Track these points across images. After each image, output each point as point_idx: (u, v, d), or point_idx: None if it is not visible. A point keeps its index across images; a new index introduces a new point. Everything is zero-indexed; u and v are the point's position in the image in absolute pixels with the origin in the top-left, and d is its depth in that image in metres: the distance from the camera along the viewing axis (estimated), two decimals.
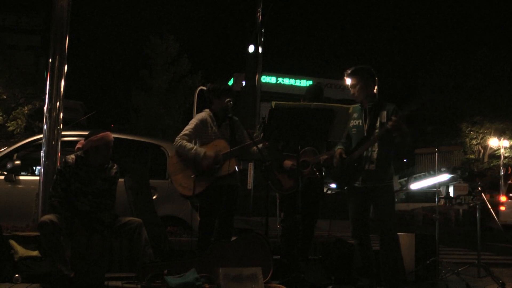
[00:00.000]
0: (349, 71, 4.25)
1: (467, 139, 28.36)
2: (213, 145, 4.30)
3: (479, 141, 28.42)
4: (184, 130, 4.39)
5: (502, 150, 26.80)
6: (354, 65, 4.27)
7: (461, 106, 28.25)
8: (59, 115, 4.96)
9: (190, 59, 27.38)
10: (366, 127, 4.12)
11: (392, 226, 4.05)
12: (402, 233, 4.89)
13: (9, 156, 5.73)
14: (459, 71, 28.57)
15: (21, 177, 5.74)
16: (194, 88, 18.35)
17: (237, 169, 4.42)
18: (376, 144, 4.06)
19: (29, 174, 6.92)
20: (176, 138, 4.36)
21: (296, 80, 45.75)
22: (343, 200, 4.38)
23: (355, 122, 4.20)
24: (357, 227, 4.16)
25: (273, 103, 3.87)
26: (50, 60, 5.00)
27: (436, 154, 5.29)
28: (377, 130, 4.04)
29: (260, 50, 15.42)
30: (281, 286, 3.79)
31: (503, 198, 19.02)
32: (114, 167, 4.15)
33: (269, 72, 42.67)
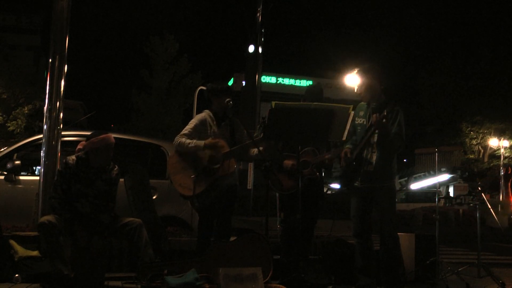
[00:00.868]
0: (357, 70, 4.25)
1: (467, 139, 28.37)
2: (210, 138, 4.29)
3: (479, 141, 28.42)
4: (183, 130, 4.39)
5: (502, 150, 26.81)
6: (354, 65, 4.29)
7: (461, 106, 28.26)
8: (59, 115, 4.96)
9: (190, 59, 27.40)
10: (368, 126, 4.12)
11: (393, 226, 4.05)
12: (402, 233, 4.89)
13: (9, 156, 5.73)
14: (459, 71, 28.57)
15: (21, 177, 5.74)
16: (194, 88, 18.35)
17: (236, 169, 4.41)
18: (375, 145, 4.06)
19: (29, 174, 6.93)
20: (175, 138, 4.36)
21: (296, 80, 45.78)
22: (344, 200, 4.39)
23: (360, 121, 4.20)
24: (358, 226, 4.16)
25: (273, 103, 3.87)
26: (50, 60, 5.00)
27: (436, 154, 5.29)
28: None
29: (260, 50, 15.44)
30: (281, 286, 3.79)
31: None
32: (115, 169, 4.14)
33: (269, 72, 42.70)
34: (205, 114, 4.49)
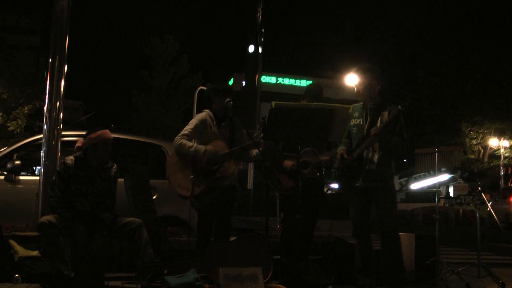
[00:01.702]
0: (356, 69, 4.24)
1: (467, 139, 28.38)
2: (212, 145, 4.30)
3: (479, 141, 28.43)
4: (183, 130, 4.39)
5: (502, 150, 26.82)
6: (354, 65, 4.29)
7: (461, 106, 28.27)
8: (59, 115, 4.96)
9: (190, 59, 27.43)
10: (366, 126, 4.12)
11: (394, 226, 4.05)
12: (402, 233, 4.88)
13: (9, 156, 5.73)
14: (459, 71, 28.58)
15: (21, 177, 5.74)
16: (194, 88, 18.38)
17: (235, 170, 4.40)
18: (377, 144, 4.06)
19: (29, 174, 6.92)
20: (176, 138, 4.35)
21: (296, 80, 45.77)
22: (344, 200, 4.38)
23: (355, 121, 4.20)
24: (358, 226, 4.16)
25: (273, 103, 3.88)
26: (50, 60, 5.00)
27: (436, 154, 5.28)
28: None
29: (260, 50, 15.43)
30: (281, 286, 3.79)
31: None
32: (114, 167, 4.15)
33: (269, 72, 42.69)
34: (205, 114, 4.49)
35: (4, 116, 23.39)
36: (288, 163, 4.54)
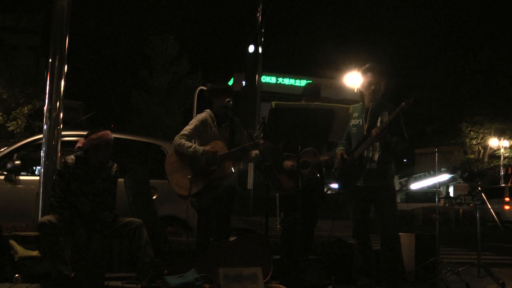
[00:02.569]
0: (367, 66, 4.23)
1: (467, 139, 28.41)
2: (211, 146, 4.30)
3: (479, 141, 28.46)
4: (183, 130, 4.39)
5: (502, 150, 26.85)
6: (354, 65, 4.30)
7: (461, 106, 28.29)
8: (59, 115, 4.96)
9: (190, 59, 27.43)
10: (366, 126, 4.12)
11: (394, 226, 4.05)
12: (402, 233, 4.89)
13: (9, 156, 5.73)
14: (459, 71, 28.60)
15: (21, 177, 5.74)
16: (194, 88, 18.37)
17: (233, 170, 4.40)
18: (378, 144, 4.06)
19: (29, 174, 6.92)
20: (175, 137, 4.35)
21: (296, 80, 45.71)
22: (344, 200, 4.38)
23: (355, 121, 4.19)
24: (358, 227, 4.16)
25: (273, 103, 3.87)
26: (50, 60, 5.00)
27: (436, 154, 5.28)
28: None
29: (260, 50, 15.43)
30: (281, 286, 3.79)
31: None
32: (114, 166, 4.15)
33: (269, 72, 42.65)
34: (205, 114, 4.48)
35: (4, 116, 23.37)
36: (288, 163, 4.53)
